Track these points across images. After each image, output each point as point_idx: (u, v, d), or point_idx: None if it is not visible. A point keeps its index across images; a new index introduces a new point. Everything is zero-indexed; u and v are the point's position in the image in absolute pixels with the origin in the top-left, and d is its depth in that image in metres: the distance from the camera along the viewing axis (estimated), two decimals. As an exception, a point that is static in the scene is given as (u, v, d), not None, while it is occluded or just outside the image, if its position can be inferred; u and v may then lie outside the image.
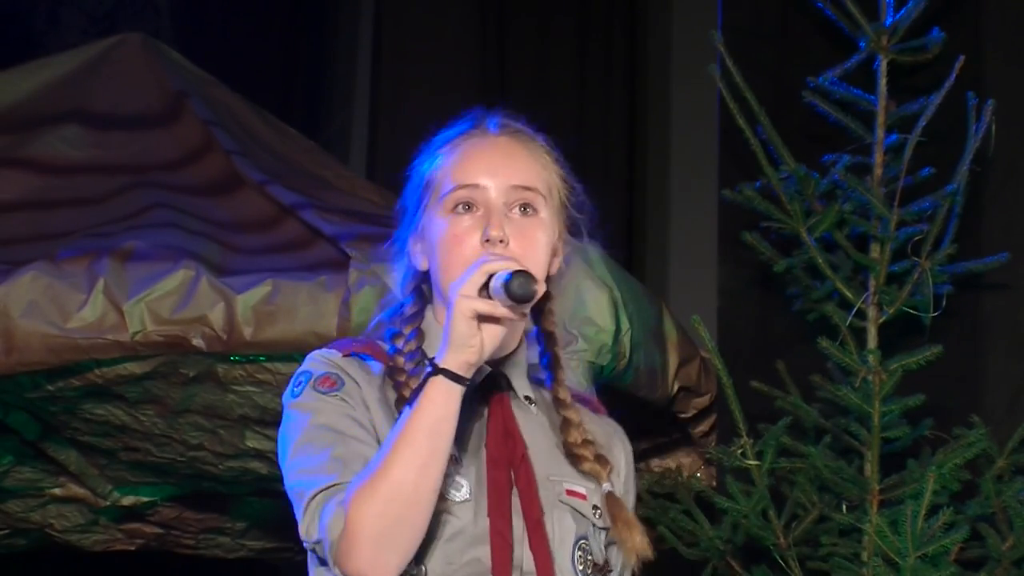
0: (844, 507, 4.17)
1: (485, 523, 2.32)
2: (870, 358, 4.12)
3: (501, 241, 2.35)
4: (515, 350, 2.43)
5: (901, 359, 4.11)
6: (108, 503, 5.11)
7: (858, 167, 4.24)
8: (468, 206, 2.38)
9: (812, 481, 4.16)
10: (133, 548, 5.46)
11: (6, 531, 5.24)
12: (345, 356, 2.40)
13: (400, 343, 2.40)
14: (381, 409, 2.35)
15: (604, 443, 2.49)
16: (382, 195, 4.83)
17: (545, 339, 2.49)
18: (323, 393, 2.36)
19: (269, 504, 5.25)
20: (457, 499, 2.32)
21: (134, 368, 4.24)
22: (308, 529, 2.29)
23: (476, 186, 2.38)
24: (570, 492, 2.40)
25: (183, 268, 4.11)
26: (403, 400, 2.33)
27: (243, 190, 4.61)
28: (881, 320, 4.22)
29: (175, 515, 5.31)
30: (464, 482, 2.33)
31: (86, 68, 4.97)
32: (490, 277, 2.25)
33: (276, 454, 2.41)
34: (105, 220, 4.42)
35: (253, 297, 4.10)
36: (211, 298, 4.09)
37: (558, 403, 2.47)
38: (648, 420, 4.74)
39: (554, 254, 2.43)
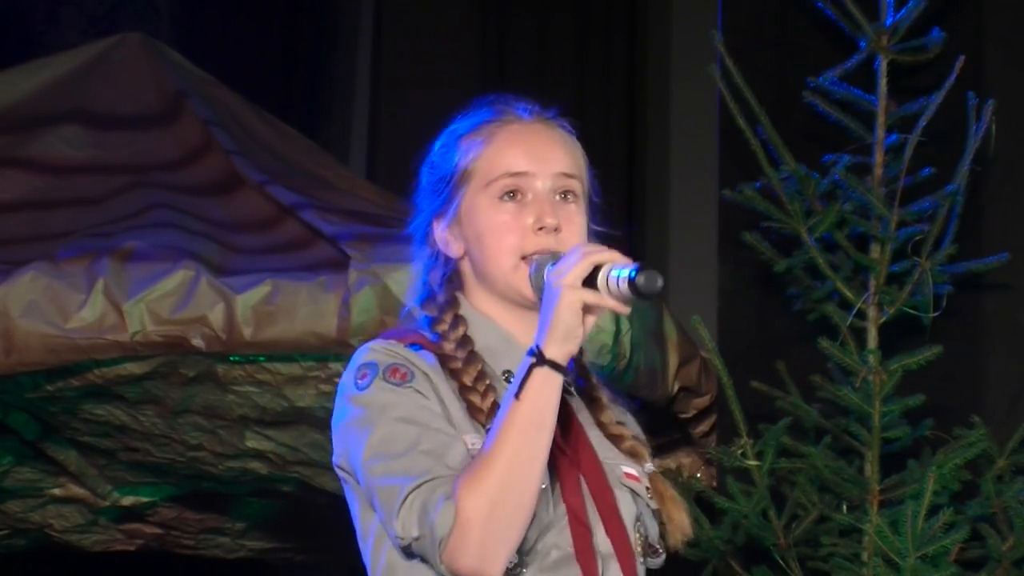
0: (844, 507, 4.17)
1: (561, 509, 2.32)
2: (870, 358, 4.12)
3: (556, 229, 2.37)
4: None
5: (901, 359, 4.11)
6: (108, 503, 5.11)
7: (858, 167, 4.24)
8: (514, 193, 2.40)
9: (812, 481, 4.16)
10: (133, 548, 5.46)
11: (6, 531, 5.24)
12: (406, 347, 2.38)
13: (442, 328, 2.40)
14: (450, 399, 2.34)
15: (632, 426, 2.52)
16: (382, 195, 4.83)
17: None
18: (396, 385, 2.33)
19: (269, 504, 5.25)
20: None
21: (134, 368, 4.23)
22: (406, 527, 2.25)
23: (524, 174, 2.40)
24: (628, 475, 2.41)
25: (183, 268, 4.11)
26: (466, 389, 2.33)
27: (243, 190, 4.61)
28: (881, 320, 4.22)
29: (175, 515, 5.31)
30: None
31: (86, 68, 4.97)
32: (596, 268, 2.25)
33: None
34: (105, 220, 4.42)
35: (253, 297, 4.10)
36: (211, 298, 4.09)
37: (589, 386, 2.49)
38: (648, 420, 4.73)
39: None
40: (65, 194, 4.57)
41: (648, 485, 2.43)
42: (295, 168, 4.90)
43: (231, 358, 4.24)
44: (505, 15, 6.50)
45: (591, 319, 2.28)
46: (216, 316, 4.07)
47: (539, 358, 2.25)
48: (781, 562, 4.18)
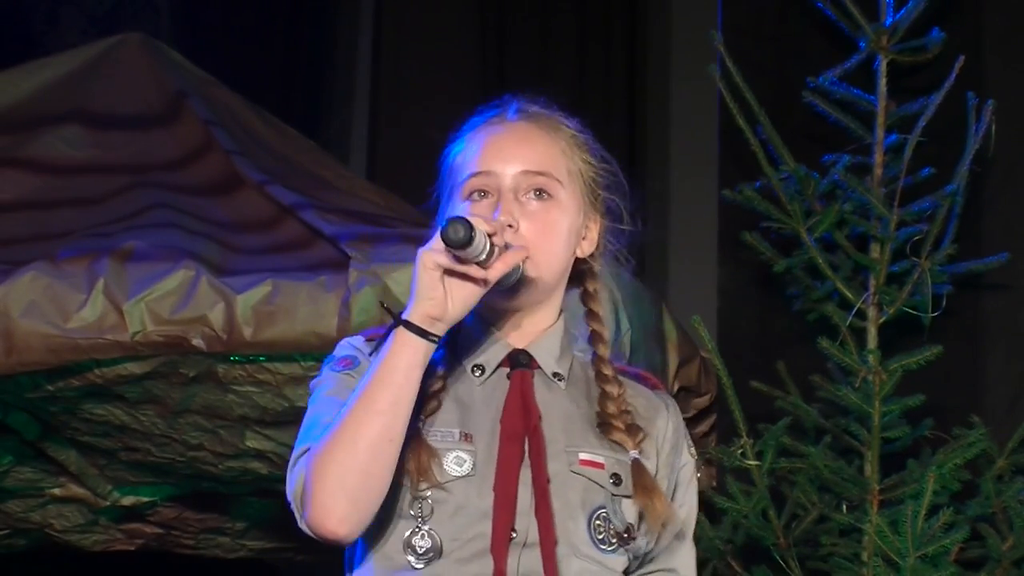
0: (844, 507, 4.17)
1: (490, 498, 2.33)
2: (870, 358, 4.12)
3: (510, 226, 2.36)
4: (546, 330, 2.45)
5: (901, 359, 4.11)
6: (108, 503, 5.11)
7: (858, 167, 4.25)
8: (483, 192, 2.41)
9: (812, 481, 4.16)
10: (133, 548, 5.46)
11: (6, 531, 5.24)
12: (368, 340, 2.43)
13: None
14: None
15: (646, 415, 2.49)
16: (382, 195, 4.83)
17: (588, 316, 2.51)
18: (338, 371, 2.40)
19: (269, 504, 5.25)
20: (459, 473, 2.33)
21: (134, 368, 4.23)
22: (289, 487, 2.34)
23: (488, 173, 2.41)
24: (584, 462, 2.40)
25: (183, 268, 4.11)
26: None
27: (243, 190, 4.61)
28: (881, 320, 4.22)
29: (175, 515, 5.31)
30: (468, 458, 2.34)
31: (86, 68, 4.96)
32: None
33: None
34: (105, 220, 4.42)
35: (253, 297, 4.10)
36: (211, 298, 4.08)
37: (600, 377, 2.47)
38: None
39: (583, 237, 2.45)
40: (65, 194, 4.57)
41: (618, 472, 2.41)
42: (295, 168, 4.90)
43: (231, 358, 4.24)
44: (505, 16, 6.50)
45: (466, 288, 2.26)
46: (216, 316, 4.07)
47: (397, 320, 2.27)
48: (781, 562, 4.18)
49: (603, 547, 2.38)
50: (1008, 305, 4.33)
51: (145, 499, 5.16)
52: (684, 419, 4.94)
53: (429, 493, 2.32)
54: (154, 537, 5.41)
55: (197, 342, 4.07)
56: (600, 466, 2.41)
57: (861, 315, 4.22)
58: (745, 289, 4.56)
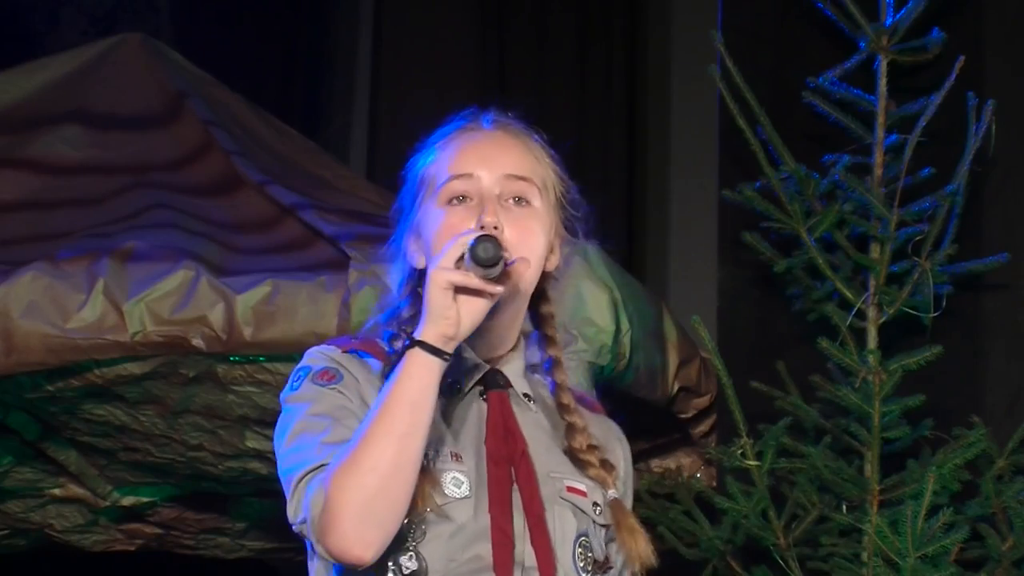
0: (844, 507, 4.17)
1: (486, 520, 2.31)
2: (870, 358, 4.12)
3: (495, 228, 2.34)
4: (512, 348, 2.44)
5: (901, 359, 4.11)
6: (108, 503, 5.11)
7: (858, 167, 4.24)
8: (462, 197, 2.38)
9: (812, 481, 4.16)
10: (133, 548, 5.46)
11: (6, 531, 5.24)
12: (344, 352, 2.40)
13: (398, 344, 2.38)
14: None
15: (603, 443, 2.49)
16: (382, 195, 4.83)
17: (545, 343, 2.50)
18: (321, 385, 2.35)
19: (269, 504, 5.25)
20: (457, 496, 2.32)
21: (134, 368, 4.23)
22: (295, 510, 2.29)
23: (470, 176, 2.38)
24: (570, 489, 2.40)
25: (183, 268, 4.11)
26: None
27: (243, 190, 4.61)
28: (881, 320, 4.22)
29: (175, 515, 5.31)
30: (464, 479, 2.33)
31: (86, 68, 4.96)
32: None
33: (275, 453, 2.41)
34: (105, 220, 4.42)
35: (253, 297, 4.10)
36: (211, 298, 4.09)
37: (562, 408, 2.47)
38: (648, 420, 4.74)
39: (550, 251, 2.43)
40: (65, 194, 4.57)
41: (597, 501, 2.41)
42: (295, 168, 4.90)
43: (231, 358, 4.24)
44: (505, 16, 6.50)
45: (476, 303, 2.24)
46: (216, 316, 4.07)
47: (411, 341, 2.24)
48: (781, 562, 4.18)
49: (583, 574, 2.38)
50: (1008, 305, 4.33)
51: (145, 499, 5.16)
52: (684, 419, 4.97)
53: (427, 513, 2.29)
54: (154, 537, 5.41)
55: (197, 342, 4.07)
56: (583, 494, 2.41)
57: (861, 315, 4.22)
58: (745, 289, 4.56)
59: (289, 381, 2.40)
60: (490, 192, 2.38)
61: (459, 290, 2.23)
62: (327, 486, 2.22)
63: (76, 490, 5.05)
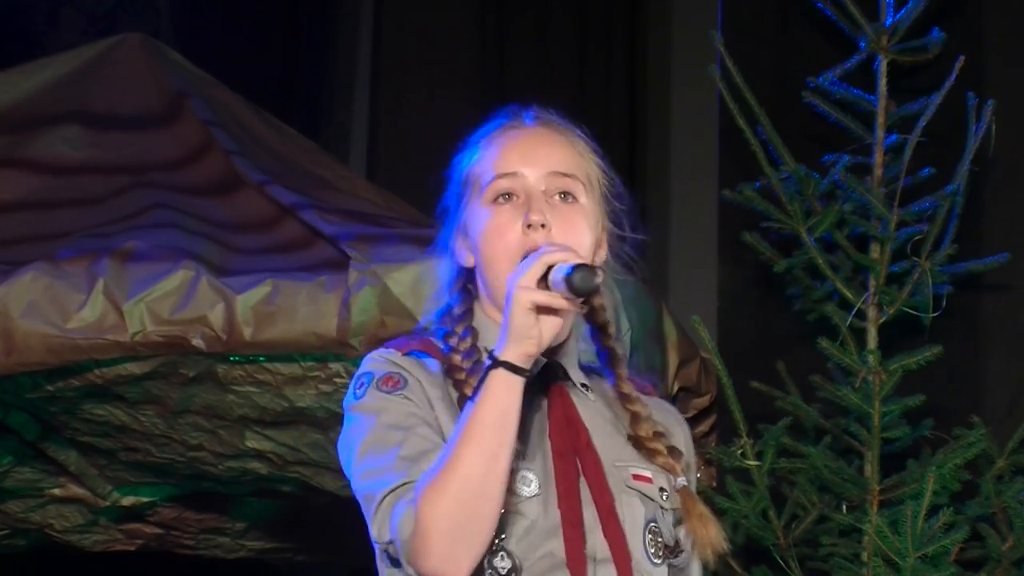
0: (844, 507, 4.17)
1: (556, 515, 2.32)
2: (870, 358, 4.12)
3: (543, 226, 2.35)
4: (566, 339, 2.43)
5: (901, 359, 4.11)
6: (108, 503, 5.11)
7: (858, 167, 4.24)
8: (508, 196, 2.38)
9: (812, 481, 4.16)
10: (133, 548, 5.46)
11: (6, 531, 5.24)
12: (404, 355, 2.39)
13: (454, 341, 2.39)
14: (445, 407, 2.35)
15: (665, 428, 2.49)
16: (382, 195, 4.83)
17: (599, 334, 2.50)
18: (387, 393, 2.34)
19: (269, 504, 5.25)
20: (527, 494, 2.32)
21: (134, 368, 4.23)
22: (380, 530, 2.27)
23: (515, 174, 2.39)
24: (636, 476, 2.40)
25: (183, 268, 4.11)
26: (465, 398, 2.31)
27: (243, 190, 4.61)
28: (881, 320, 4.22)
29: (175, 515, 5.31)
30: (532, 476, 2.33)
31: (86, 68, 4.96)
32: (549, 268, 2.24)
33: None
34: (105, 220, 4.42)
35: (253, 297, 4.09)
36: (211, 298, 4.08)
37: (624, 397, 2.47)
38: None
39: (598, 245, 2.43)
40: (65, 194, 4.57)
41: (664, 486, 2.42)
42: (295, 168, 4.90)
43: (231, 358, 4.24)
44: (505, 15, 6.50)
45: (554, 320, 2.25)
46: (216, 316, 4.07)
47: (495, 361, 2.24)
48: (781, 562, 4.18)
49: (655, 561, 2.39)
50: (1008, 305, 4.33)
51: (145, 499, 5.16)
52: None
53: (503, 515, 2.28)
54: (154, 537, 5.41)
55: (197, 342, 4.07)
56: (649, 480, 2.41)
57: (861, 315, 4.22)
58: (745, 289, 4.56)
59: (351, 388, 2.39)
60: (535, 189, 2.38)
61: (541, 310, 2.23)
62: (417, 509, 2.22)
63: (76, 490, 5.05)
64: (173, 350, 4.12)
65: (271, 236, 4.43)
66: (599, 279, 2.24)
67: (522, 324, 2.23)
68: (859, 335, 4.22)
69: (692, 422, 4.87)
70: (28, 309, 4.07)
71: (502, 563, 2.29)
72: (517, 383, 2.23)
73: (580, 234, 2.39)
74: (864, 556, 4.09)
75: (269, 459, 4.72)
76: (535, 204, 2.36)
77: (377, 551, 2.35)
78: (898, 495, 4.08)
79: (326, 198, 4.62)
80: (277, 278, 4.13)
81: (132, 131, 4.80)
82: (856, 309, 4.20)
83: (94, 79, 4.92)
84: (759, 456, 4.16)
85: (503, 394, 2.23)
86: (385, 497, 2.27)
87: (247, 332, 4.08)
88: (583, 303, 2.27)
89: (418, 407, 2.33)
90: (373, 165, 6.35)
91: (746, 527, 4.17)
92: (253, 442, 4.66)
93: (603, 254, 2.45)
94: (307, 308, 4.10)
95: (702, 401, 4.80)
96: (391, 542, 2.26)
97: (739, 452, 4.18)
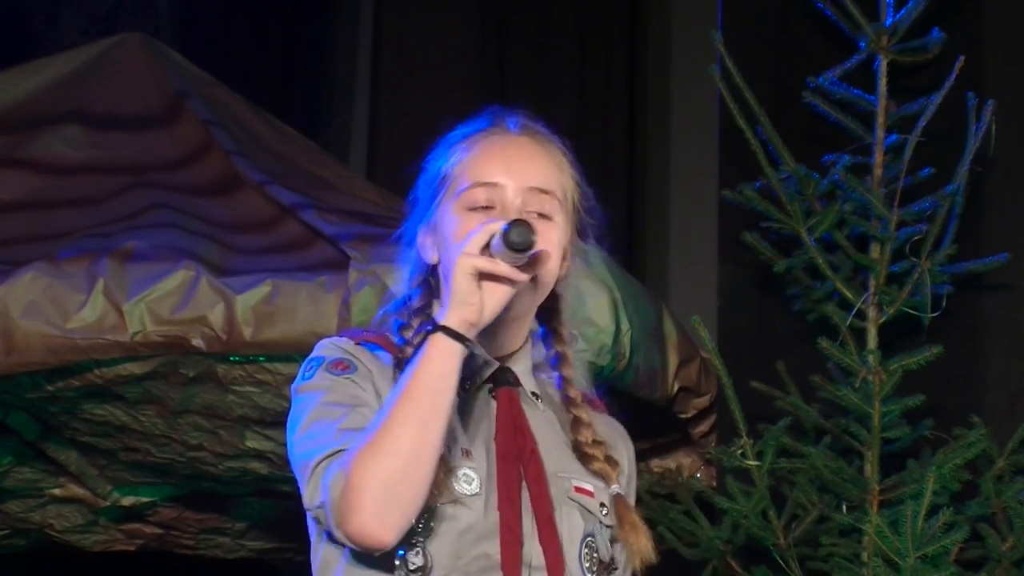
0: (844, 507, 4.17)
1: (494, 517, 2.31)
2: (870, 358, 4.12)
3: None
4: (520, 347, 2.44)
5: (901, 359, 4.11)
6: (108, 503, 5.11)
7: (858, 167, 4.24)
8: (484, 206, 2.38)
9: (812, 481, 4.16)
10: (133, 548, 5.46)
11: (6, 531, 5.24)
12: (357, 344, 2.40)
13: (408, 334, 2.39)
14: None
15: (609, 442, 2.49)
16: (382, 195, 4.83)
17: (553, 338, 2.50)
18: (335, 375, 2.35)
19: (269, 504, 5.25)
20: (468, 492, 2.31)
21: (134, 368, 4.23)
22: (311, 495, 2.28)
23: (494, 185, 2.38)
24: (578, 489, 2.40)
25: (183, 268, 4.11)
26: None
27: (243, 190, 4.61)
28: (881, 320, 4.22)
29: (175, 515, 5.31)
30: (475, 476, 2.32)
31: (86, 68, 4.97)
32: (492, 237, 2.25)
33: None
34: (105, 220, 4.42)
35: (253, 297, 4.10)
36: (211, 298, 4.09)
37: (568, 401, 2.47)
38: (648, 420, 4.74)
39: (564, 257, 2.43)
40: (65, 194, 4.57)
41: (604, 502, 2.42)
42: (295, 168, 4.90)
43: (231, 358, 4.24)
44: (505, 15, 6.50)
45: (499, 290, 2.25)
46: (216, 316, 4.07)
47: (435, 325, 2.25)
48: (781, 562, 4.18)
49: (588, 574, 2.38)
50: (1008, 305, 4.33)
51: (145, 499, 5.16)
52: (684, 419, 4.97)
53: (438, 508, 2.29)
54: (154, 537, 5.42)
55: (197, 342, 4.07)
56: (591, 494, 2.41)
57: (861, 315, 4.22)
58: (745, 289, 4.56)
59: (301, 371, 2.40)
60: (513, 203, 2.37)
61: (483, 276, 2.24)
62: (348, 468, 2.22)
63: (76, 490, 5.05)
64: (173, 350, 4.12)
65: (271, 236, 4.43)
66: (535, 236, 2.23)
67: (463, 290, 2.24)
68: (859, 335, 4.22)
69: (692, 422, 4.88)
70: (28, 309, 4.07)
71: (415, 559, 2.28)
72: (456, 350, 2.24)
73: (552, 251, 2.37)
74: (864, 556, 4.09)
75: (269, 459, 4.72)
76: (510, 217, 2.35)
77: (312, 534, 2.35)
78: (898, 495, 4.08)
79: (326, 198, 4.62)
80: (277, 278, 4.14)
81: (132, 131, 4.81)
82: (856, 309, 4.20)
83: (94, 79, 4.93)
84: (759, 456, 4.16)
85: (441, 358, 2.23)
86: (320, 462, 2.27)
87: (247, 332, 4.08)
88: (528, 269, 2.27)
89: (364, 391, 2.34)
90: (373, 165, 6.35)
91: (746, 527, 4.17)
92: (253, 442, 4.66)
93: (567, 264, 2.45)
94: (307, 308, 4.10)
95: (702, 401, 4.80)
96: (321, 505, 2.25)
97: (739, 452, 4.18)
